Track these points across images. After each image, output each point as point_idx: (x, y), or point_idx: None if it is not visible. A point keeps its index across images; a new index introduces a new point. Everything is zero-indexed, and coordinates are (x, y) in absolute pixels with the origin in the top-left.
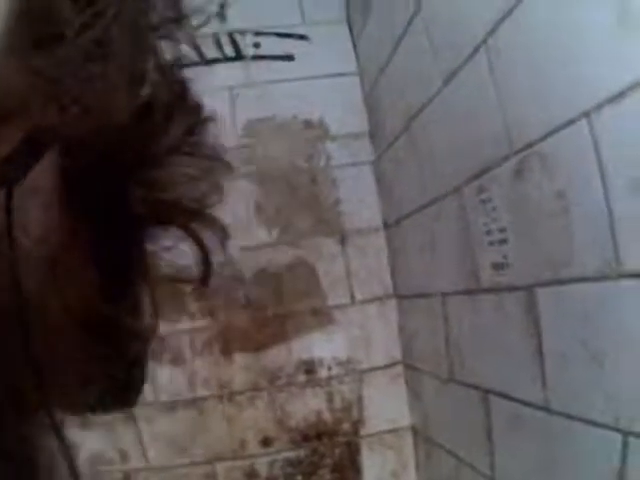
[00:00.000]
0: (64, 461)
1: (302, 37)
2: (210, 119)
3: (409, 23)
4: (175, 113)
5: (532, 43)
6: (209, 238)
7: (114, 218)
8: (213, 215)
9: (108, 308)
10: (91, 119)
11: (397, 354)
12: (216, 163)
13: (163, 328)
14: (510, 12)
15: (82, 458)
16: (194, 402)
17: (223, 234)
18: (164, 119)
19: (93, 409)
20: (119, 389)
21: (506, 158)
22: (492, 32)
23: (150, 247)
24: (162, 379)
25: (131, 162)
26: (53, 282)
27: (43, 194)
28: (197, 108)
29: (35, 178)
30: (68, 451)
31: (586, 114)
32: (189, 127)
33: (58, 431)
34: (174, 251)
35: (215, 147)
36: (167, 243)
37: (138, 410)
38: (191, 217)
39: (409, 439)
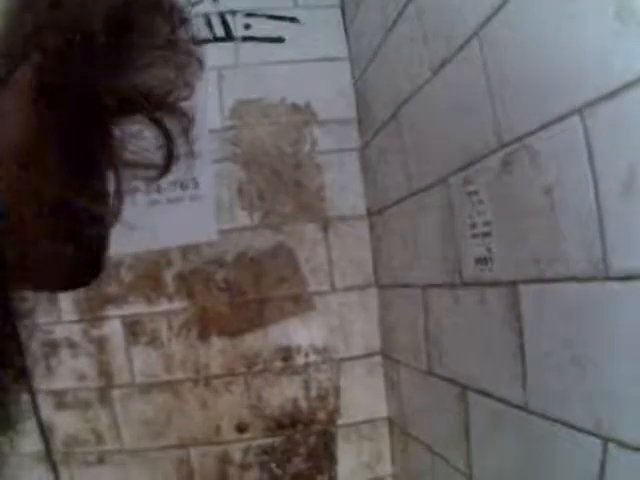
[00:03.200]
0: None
1: (293, 20)
2: (187, 19)
3: (402, 10)
4: (155, 15)
5: (526, 36)
6: (174, 127)
7: (84, 108)
8: (180, 105)
9: (74, 195)
10: (69, 20)
11: (376, 344)
12: (190, 60)
13: (141, 309)
14: (505, 3)
15: (57, 439)
16: (170, 385)
17: (188, 123)
18: (145, 21)
19: (58, 287)
20: (81, 269)
21: (494, 151)
22: (485, 23)
23: (116, 134)
24: (138, 361)
25: (109, 60)
26: (24, 173)
27: (18, 90)
28: (175, 9)
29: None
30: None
31: (579, 110)
32: (168, 27)
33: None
34: (139, 139)
35: (190, 45)
36: (133, 130)
37: (113, 391)
38: (157, 106)
39: (385, 431)
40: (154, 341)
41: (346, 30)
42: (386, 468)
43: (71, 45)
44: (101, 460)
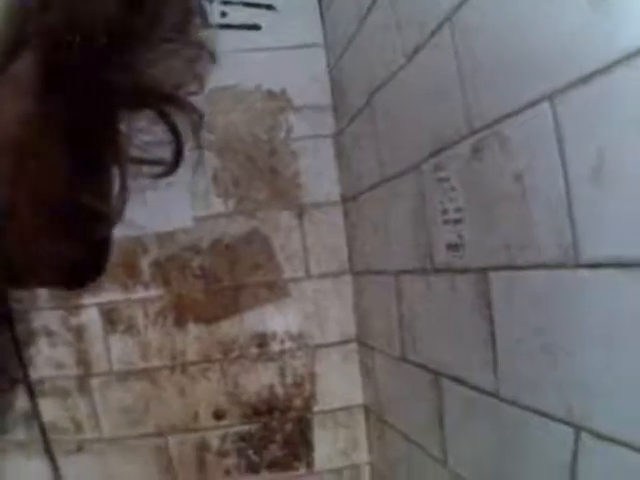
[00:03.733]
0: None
1: (269, 7)
2: (200, 9)
3: None
4: (165, 5)
5: (497, 22)
6: (183, 123)
7: (91, 101)
8: (189, 100)
9: (77, 192)
10: (77, 6)
11: (351, 331)
12: (201, 52)
13: (117, 297)
14: None
15: (37, 428)
16: (147, 372)
17: (198, 119)
18: (155, 9)
19: (56, 285)
20: (82, 269)
21: (465, 137)
22: (458, 8)
23: (123, 129)
24: (116, 349)
25: (118, 49)
26: (23, 169)
27: (16, 82)
28: (187, 1)
29: (11, 68)
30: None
31: (549, 97)
32: (180, 16)
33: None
34: (146, 134)
35: (201, 36)
36: (140, 125)
37: (92, 380)
38: (167, 101)
39: (361, 418)
40: (131, 329)
41: (322, 17)
42: (362, 455)
43: (77, 36)
44: (80, 448)
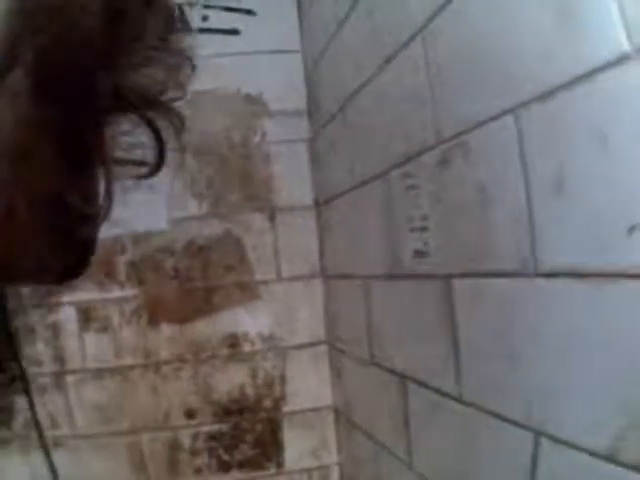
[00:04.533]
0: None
1: (249, 12)
2: (180, 21)
3: (354, 4)
4: (147, 17)
5: (468, 34)
6: (165, 127)
7: (80, 107)
8: (172, 105)
9: (67, 193)
10: (60, 21)
11: (321, 333)
12: (182, 61)
13: (93, 296)
14: (449, 1)
15: (18, 423)
16: (120, 370)
17: (180, 124)
18: (138, 18)
19: (45, 281)
20: (67, 269)
21: (432, 147)
22: (430, 20)
23: (109, 132)
24: (91, 347)
25: (101, 60)
26: (18, 174)
27: (12, 93)
28: (169, 11)
29: (6, 80)
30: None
31: (513, 110)
32: (162, 30)
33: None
34: (131, 136)
35: (182, 46)
36: (125, 129)
37: (67, 377)
38: (150, 106)
39: (331, 419)
40: (106, 327)
41: (301, 23)
42: (332, 456)
43: (64, 43)
44: (56, 444)
